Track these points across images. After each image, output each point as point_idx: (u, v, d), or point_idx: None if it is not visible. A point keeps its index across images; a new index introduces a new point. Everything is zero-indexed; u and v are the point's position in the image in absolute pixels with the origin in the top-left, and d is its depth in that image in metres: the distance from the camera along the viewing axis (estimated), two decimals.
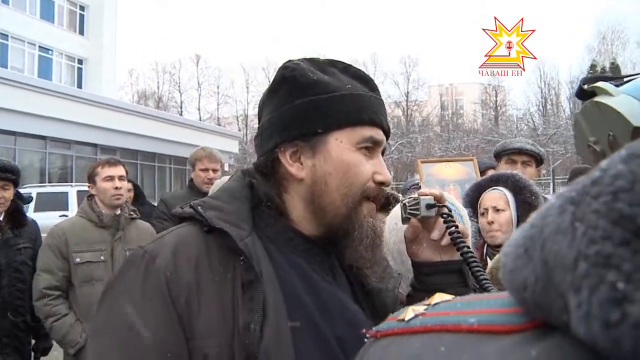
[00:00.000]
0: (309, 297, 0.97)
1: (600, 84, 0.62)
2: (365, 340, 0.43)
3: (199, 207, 0.98)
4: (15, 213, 3.50)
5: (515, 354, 0.28)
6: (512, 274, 0.32)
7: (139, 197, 5.24)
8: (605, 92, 0.60)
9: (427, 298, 0.43)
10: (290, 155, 1.03)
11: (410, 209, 1.11)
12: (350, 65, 1.10)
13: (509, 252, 0.32)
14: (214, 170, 4.06)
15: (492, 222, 2.44)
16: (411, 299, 1.15)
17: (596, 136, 0.60)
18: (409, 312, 0.41)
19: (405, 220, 1.14)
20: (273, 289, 0.93)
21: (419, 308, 0.41)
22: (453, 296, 0.42)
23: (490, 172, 3.24)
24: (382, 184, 1.05)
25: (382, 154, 1.08)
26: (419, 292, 1.13)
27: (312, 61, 1.08)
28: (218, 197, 1.03)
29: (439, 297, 0.42)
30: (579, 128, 0.65)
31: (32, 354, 3.59)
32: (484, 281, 1.03)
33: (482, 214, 2.50)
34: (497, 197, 2.48)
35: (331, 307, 0.98)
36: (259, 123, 1.11)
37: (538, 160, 3.41)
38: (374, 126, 1.04)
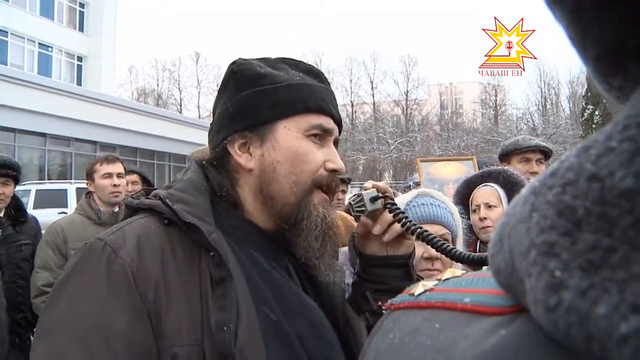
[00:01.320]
0: (271, 294, 0.96)
1: None
2: (383, 312, 0.45)
3: (167, 200, 0.94)
4: (16, 209, 3.52)
5: (492, 334, 0.30)
6: (491, 259, 0.33)
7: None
8: None
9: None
10: (239, 147, 1.02)
11: (356, 208, 1.12)
12: (301, 61, 1.11)
13: (492, 238, 0.34)
14: None
15: (485, 218, 2.42)
16: (356, 287, 1.18)
17: None
18: (419, 287, 0.41)
19: (356, 218, 1.15)
20: (241, 286, 0.90)
21: (430, 283, 0.42)
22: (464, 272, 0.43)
23: None
24: (334, 171, 1.04)
25: (336, 145, 1.08)
26: (365, 281, 1.16)
27: (263, 59, 1.08)
28: (183, 189, 0.99)
29: (450, 272, 0.43)
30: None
31: None
32: (452, 251, 1.07)
33: (474, 211, 2.48)
34: (490, 194, 2.45)
35: (291, 304, 0.98)
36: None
37: (547, 157, 3.34)
38: (322, 114, 1.03)
